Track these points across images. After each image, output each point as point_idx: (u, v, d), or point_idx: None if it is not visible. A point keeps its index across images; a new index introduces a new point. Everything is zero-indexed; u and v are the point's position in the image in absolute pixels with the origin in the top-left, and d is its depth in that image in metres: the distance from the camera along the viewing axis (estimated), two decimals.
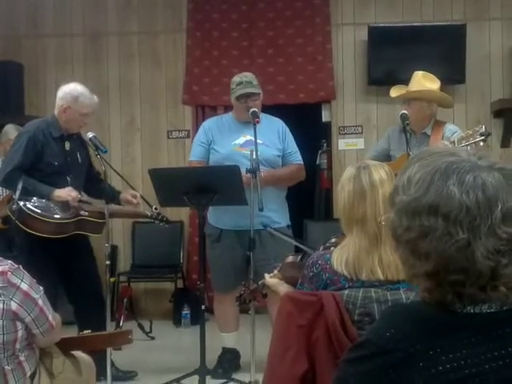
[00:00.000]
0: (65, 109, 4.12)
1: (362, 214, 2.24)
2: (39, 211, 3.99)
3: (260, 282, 2.91)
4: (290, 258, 2.78)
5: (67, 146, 4.19)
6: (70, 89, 4.15)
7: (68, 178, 4.15)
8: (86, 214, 4.09)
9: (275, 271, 2.78)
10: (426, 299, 1.19)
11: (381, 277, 2.20)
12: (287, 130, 4.44)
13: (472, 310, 1.15)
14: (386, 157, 4.21)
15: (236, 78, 4.33)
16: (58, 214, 4.03)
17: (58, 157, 4.13)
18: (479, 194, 1.11)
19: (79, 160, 4.26)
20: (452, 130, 4.25)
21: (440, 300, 1.17)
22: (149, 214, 4.34)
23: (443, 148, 1.22)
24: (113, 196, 4.26)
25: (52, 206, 4.04)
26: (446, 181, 1.12)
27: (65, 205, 4.05)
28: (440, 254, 1.13)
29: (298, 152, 4.44)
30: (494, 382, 1.08)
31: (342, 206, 2.30)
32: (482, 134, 3.73)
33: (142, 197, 4.34)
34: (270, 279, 2.76)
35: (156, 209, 4.29)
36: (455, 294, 1.15)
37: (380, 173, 2.28)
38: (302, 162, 4.45)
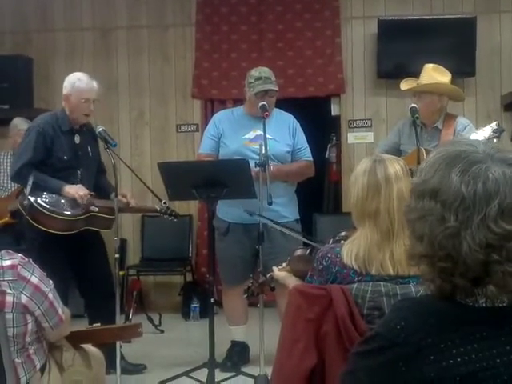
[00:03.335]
0: (67, 97, 4.13)
1: (376, 208, 2.22)
2: (49, 207, 4.00)
3: (268, 275, 2.91)
4: (299, 251, 2.78)
5: (77, 139, 4.19)
6: (69, 77, 4.19)
7: (78, 172, 4.15)
8: (96, 209, 4.09)
9: (284, 264, 2.78)
10: (433, 291, 1.19)
11: (391, 272, 2.19)
12: (298, 125, 4.43)
13: (484, 304, 1.14)
14: (396, 151, 4.19)
15: (254, 73, 4.28)
16: (68, 211, 4.03)
17: (68, 151, 4.13)
18: (479, 186, 1.11)
19: (90, 153, 4.26)
20: (464, 123, 4.22)
21: (442, 290, 1.17)
22: (158, 209, 4.33)
23: (465, 138, 1.24)
24: (108, 192, 4.24)
25: (63, 201, 4.05)
26: (451, 168, 1.14)
27: (75, 201, 4.05)
28: (431, 238, 1.15)
29: (308, 148, 4.43)
30: (506, 375, 1.08)
31: (355, 199, 2.28)
32: (495, 131, 3.72)
33: (150, 190, 4.35)
34: (279, 272, 2.76)
35: (165, 203, 4.29)
36: (450, 284, 1.15)
37: (395, 167, 2.26)
38: (311, 159, 4.44)
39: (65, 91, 4.15)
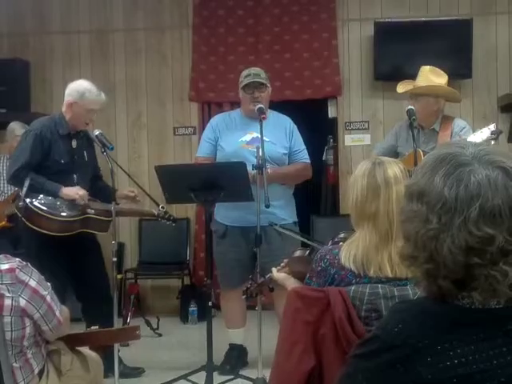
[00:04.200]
0: (71, 104, 4.13)
1: (375, 210, 2.22)
2: (45, 209, 4.00)
3: (267, 276, 2.92)
4: (298, 253, 2.79)
5: (74, 144, 4.20)
6: (77, 85, 4.17)
7: (74, 176, 4.16)
8: (93, 212, 4.10)
9: (282, 264, 2.78)
10: (428, 293, 1.19)
11: (389, 274, 2.20)
12: (295, 127, 4.43)
13: (480, 306, 1.14)
14: (393, 153, 4.19)
15: (245, 71, 4.36)
16: (64, 212, 4.04)
17: (65, 155, 4.13)
18: (461, 189, 1.12)
19: (86, 158, 4.27)
20: (461, 125, 4.23)
21: (429, 292, 1.17)
22: (156, 213, 4.33)
23: (458, 140, 1.25)
24: (109, 195, 4.17)
25: (59, 203, 4.05)
26: (437, 171, 1.15)
27: (72, 203, 4.05)
28: (415, 239, 1.16)
29: (305, 150, 4.43)
30: (503, 377, 1.08)
31: (354, 201, 2.28)
32: (493, 133, 3.72)
33: (149, 195, 4.35)
34: (278, 273, 2.76)
35: (163, 207, 4.28)
36: (436, 286, 1.15)
37: (395, 170, 2.27)
38: (308, 161, 4.44)
39: (70, 98, 4.13)
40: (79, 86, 4.15)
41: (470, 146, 1.19)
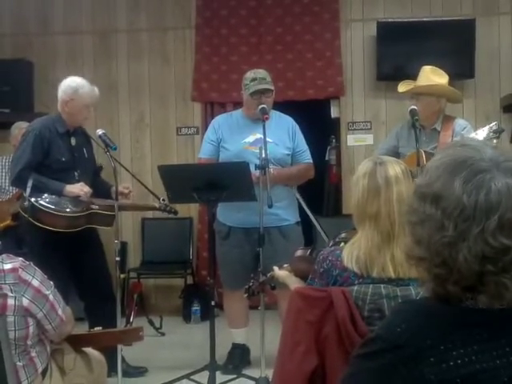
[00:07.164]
0: (67, 102, 4.14)
1: (376, 210, 2.22)
2: (52, 206, 4.03)
3: (269, 274, 2.93)
4: (300, 252, 2.80)
5: (73, 141, 4.22)
6: (69, 82, 4.19)
7: (75, 173, 4.18)
8: (97, 207, 4.14)
9: (285, 265, 2.79)
10: (432, 294, 1.19)
11: (392, 275, 2.19)
12: (297, 128, 4.43)
13: (484, 307, 1.14)
14: (394, 154, 4.19)
15: (250, 74, 4.31)
16: (69, 208, 4.07)
17: (65, 153, 4.16)
18: (481, 197, 1.09)
19: (86, 155, 4.30)
20: (462, 125, 4.24)
21: (435, 294, 1.17)
22: (157, 206, 4.40)
23: (474, 141, 1.21)
24: (106, 190, 4.28)
25: (63, 201, 4.07)
26: (455, 175, 1.12)
27: (76, 199, 4.08)
28: (428, 243, 1.14)
29: (308, 151, 4.43)
30: (505, 377, 1.08)
31: (356, 201, 2.28)
32: (495, 131, 3.72)
33: (148, 189, 4.41)
34: (279, 271, 2.77)
35: (164, 200, 4.33)
36: (443, 290, 1.15)
37: (396, 170, 2.25)
38: (311, 161, 4.44)
39: (65, 96, 4.15)
40: (72, 83, 4.17)
41: (488, 149, 1.16)
